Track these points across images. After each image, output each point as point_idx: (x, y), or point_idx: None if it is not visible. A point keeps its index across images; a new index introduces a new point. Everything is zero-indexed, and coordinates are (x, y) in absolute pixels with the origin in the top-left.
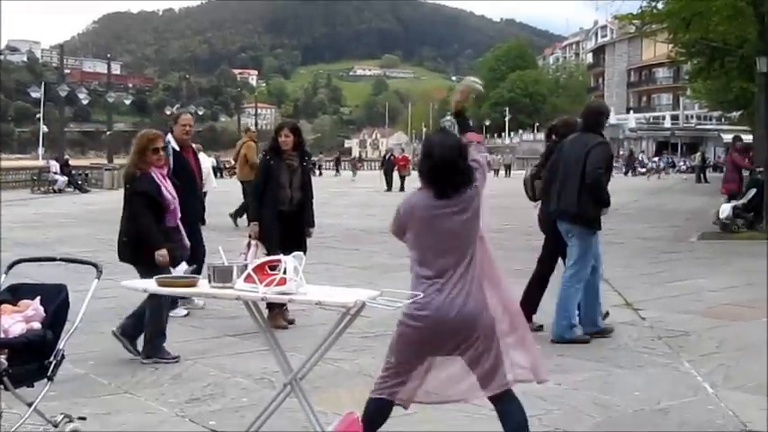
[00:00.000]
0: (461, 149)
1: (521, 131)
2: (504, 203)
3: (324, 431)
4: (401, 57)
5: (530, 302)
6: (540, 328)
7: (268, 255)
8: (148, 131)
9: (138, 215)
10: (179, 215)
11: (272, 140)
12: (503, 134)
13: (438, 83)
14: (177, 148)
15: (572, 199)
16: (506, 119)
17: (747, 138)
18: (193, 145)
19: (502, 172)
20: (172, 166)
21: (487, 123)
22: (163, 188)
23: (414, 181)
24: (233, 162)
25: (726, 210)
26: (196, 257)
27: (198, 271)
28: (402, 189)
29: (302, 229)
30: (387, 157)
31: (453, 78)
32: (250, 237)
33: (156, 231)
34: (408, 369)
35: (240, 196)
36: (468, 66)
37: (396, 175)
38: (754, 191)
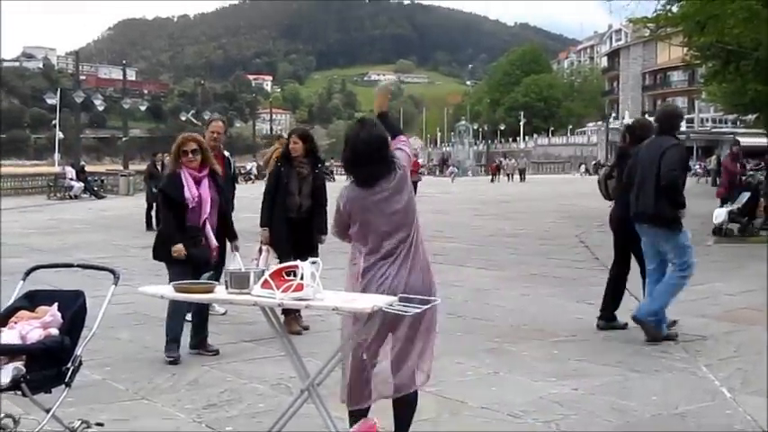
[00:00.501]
0: (379, 141)
1: (535, 136)
2: (519, 208)
3: None
4: (416, 62)
5: (612, 303)
6: (625, 326)
7: (279, 261)
8: (182, 135)
9: (161, 211)
10: (204, 215)
11: (284, 147)
12: (517, 138)
13: (453, 87)
14: None
15: (649, 201)
16: (521, 123)
17: (762, 141)
18: (225, 153)
19: (516, 176)
20: None
21: (502, 128)
22: (186, 188)
23: (425, 186)
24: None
25: (720, 215)
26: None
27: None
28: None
29: (312, 236)
30: None
31: (468, 83)
32: (261, 243)
33: (170, 226)
34: (374, 357)
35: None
36: (483, 70)
37: None
38: (747, 195)
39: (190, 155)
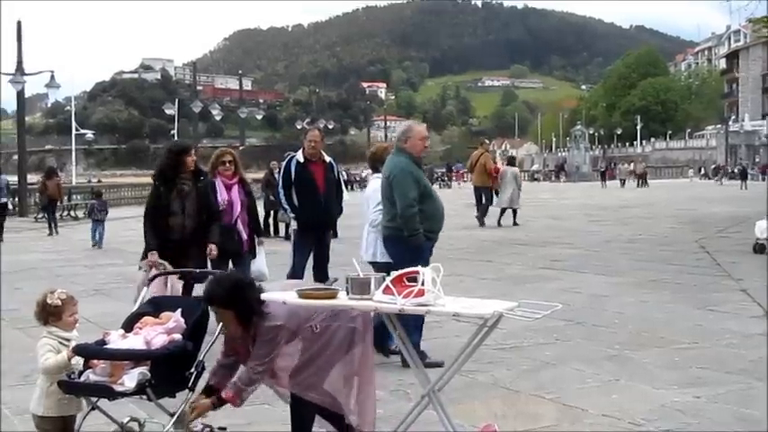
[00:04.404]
0: None
1: (653, 139)
2: (636, 213)
3: None
4: (530, 66)
5: None
6: None
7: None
8: (219, 149)
9: None
10: (235, 215)
11: (166, 163)
12: (634, 143)
13: (568, 92)
14: (302, 161)
15: None
16: (638, 127)
17: None
18: (326, 158)
19: (632, 182)
20: (294, 178)
21: (619, 132)
22: (218, 193)
23: (541, 191)
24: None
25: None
26: (320, 262)
27: (321, 273)
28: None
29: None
30: None
31: (583, 87)
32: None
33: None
34: None
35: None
36: (598, 74)
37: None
38: None
39: (226, 164)
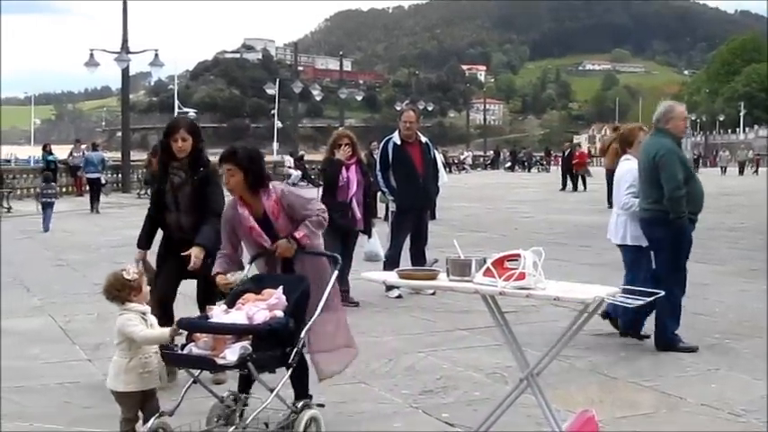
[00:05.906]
0: None
1: (756, 127)
2: (739, 201)
3: (560, 429)
4: (631, 51)
5: None
6: None
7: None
8: (337, 131)
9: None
10: (350, 195)
11: (162, 152)
12: (737, 130)
13: (670, 77)
14: (398, 143)
15: None
16: (741, 114)
17: None
18: (422, 139)
19: (734, 169)
20: (392, 160)
21: (721, 119)
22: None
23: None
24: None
25: None
26: (418, 243)
27: (419, 254)
28: (576, 189)
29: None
30: (566, 154)
31: (686, 73)
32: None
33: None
34: None
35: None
36: (702, 59)
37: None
38: None
39: (343, 147)
